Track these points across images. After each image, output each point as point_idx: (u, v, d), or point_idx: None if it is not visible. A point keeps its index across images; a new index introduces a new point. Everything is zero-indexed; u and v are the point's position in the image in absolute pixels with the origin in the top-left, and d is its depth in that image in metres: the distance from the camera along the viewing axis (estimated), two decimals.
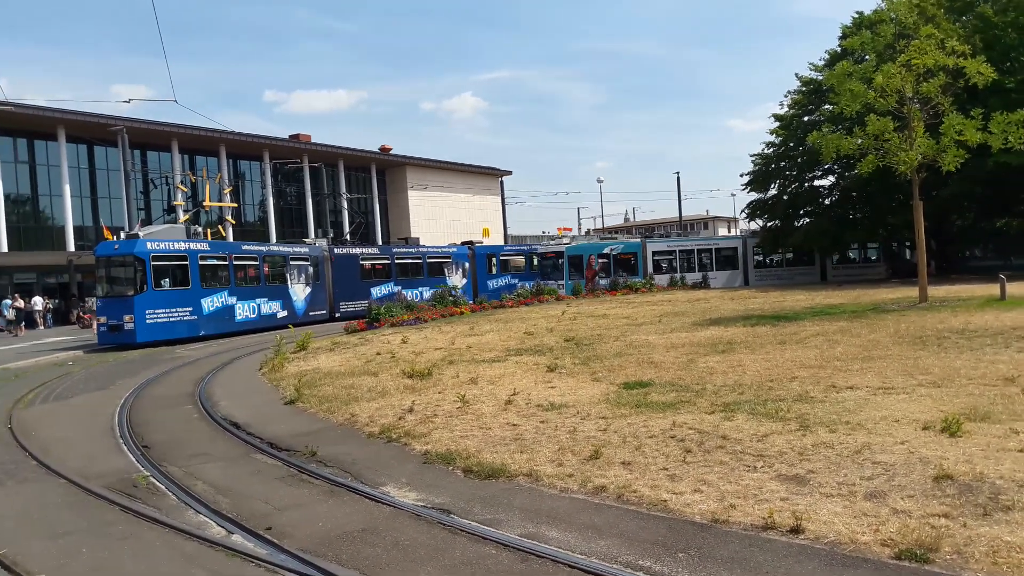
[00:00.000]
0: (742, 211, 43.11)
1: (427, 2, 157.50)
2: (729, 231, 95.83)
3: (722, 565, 4.55)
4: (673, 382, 10.23)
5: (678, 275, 38.65)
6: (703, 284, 38.17)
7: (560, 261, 37.35)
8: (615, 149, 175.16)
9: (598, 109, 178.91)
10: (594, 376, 11.14)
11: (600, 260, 37.64)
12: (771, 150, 38.78)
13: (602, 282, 36.37)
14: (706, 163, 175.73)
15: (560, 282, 35.93)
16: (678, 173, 54.12)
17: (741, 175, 41.30)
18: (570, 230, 51.77)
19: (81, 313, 34.56)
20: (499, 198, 64.40)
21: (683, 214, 58.31)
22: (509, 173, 66.62)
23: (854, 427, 7.18)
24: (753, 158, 39.50)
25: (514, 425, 8.34)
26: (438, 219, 57.26)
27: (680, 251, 40.02)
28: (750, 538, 4.92)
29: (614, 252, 38.54)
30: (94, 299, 26.90)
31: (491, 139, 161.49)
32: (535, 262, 39.71)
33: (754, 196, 40.46)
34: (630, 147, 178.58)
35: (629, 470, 6.44)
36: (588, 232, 62.34)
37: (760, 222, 40.83)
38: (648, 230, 73.25)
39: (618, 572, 4.55)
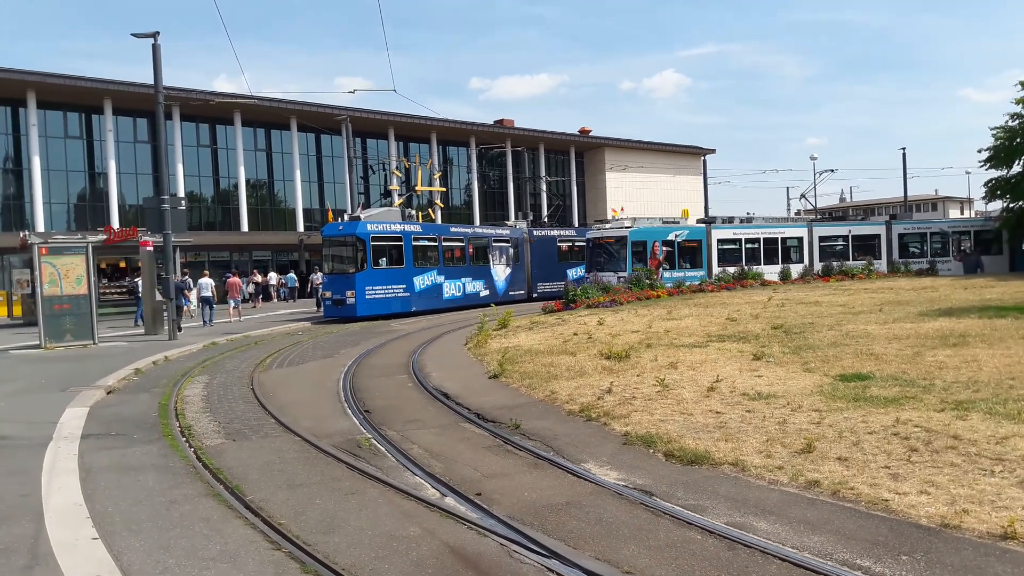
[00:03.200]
0: (983, 189, 37.74)
1: None
2: (963, 213, 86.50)
3: (952, 573, 4.18)
4: (896, 376, 9.44)
5: (745, 266, 32.17)
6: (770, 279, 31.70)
7: (620, 249, 29.65)
8: (829, 124, 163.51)
9: (809, 82, 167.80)
10: (806, 366, 10.54)
11: (664, 248, 30.88)
12: (1016, 122, 34.35)
13: (666, 274, 29.76)
14: (934, 138, 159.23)
15: (621, 273, 28.75)
16: (904, 149, 49.40)
17: (979, 151, 36.40)
18: (623, 210, 41.75)
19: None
20: (700, 178, 62.45)
21: (908, 194, 53.29)
22: (712, 151, 64.40)
23: None
24: (994, 131, 35.13)
25: (717, 412, 8.12)
26: (636, 200, 56.58)
27: (746, 239, 33.22)
28: (985, 547, 4.48)
29: (679, 239, 31.51)
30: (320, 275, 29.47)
31: (693, 117, 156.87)
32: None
33: (994, 174, 36.08)
34: (846, 122, 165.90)
35: (846, 466, 6.06)
36: (798, 213, 58.72)
37: (1002, 203, 36.34)
38: (867, 211, 67.68)
39: (834, 570, 4.31)
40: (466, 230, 31.02)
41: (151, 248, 21.77)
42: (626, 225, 30.22)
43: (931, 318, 15.35)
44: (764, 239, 33.46)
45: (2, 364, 14.87)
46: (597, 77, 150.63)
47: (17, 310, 27.93)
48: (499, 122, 55.13)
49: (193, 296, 26.70)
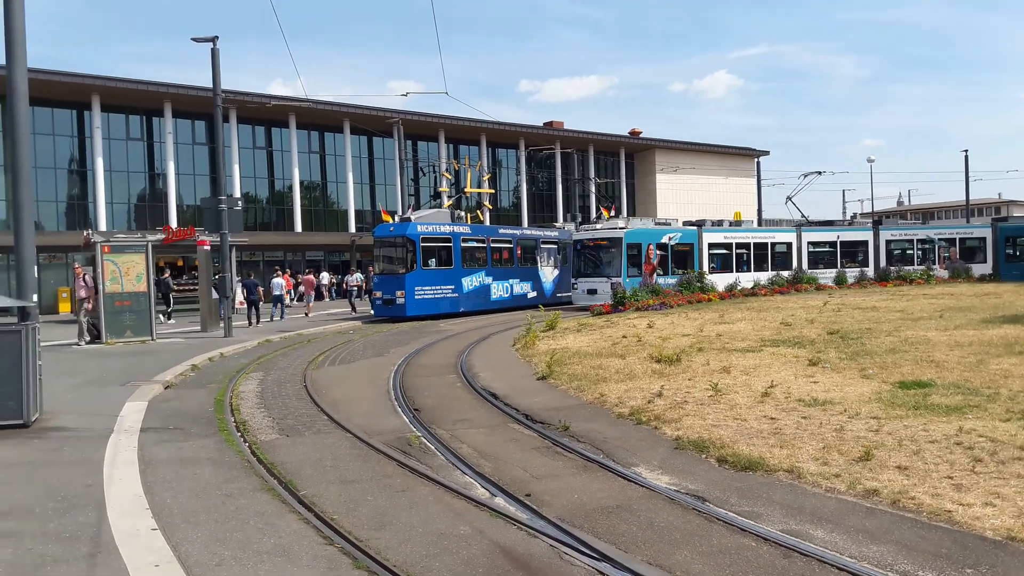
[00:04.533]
0: None
1: None
2: None
3: None
4: (958, 384, 9.14)
5: (736, 272, 30.39)
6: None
7: (614, 252, 26.74)
8: (886, 126, 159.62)
9: (865, 83, 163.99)
10: (863, 373, 10.28)
11: (658, 252, 28.03)
12: None
13: (660, 280, 27.35)
14: (998, 140, 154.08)
15: (615, 279, 26.13)
16: (966, 151, 48.00)
17: None
18: (613, 209, 39.07)
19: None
20: (754, 180, 61.44)
21: (971, 197, 51.69)
22: (766, 153, 63.34)
23: None
24: None
25: (772, 418, 7.96)
26: (687, 203, 55.94)
27: (737, 244, 30.96)
28: None
29: (672, 242, 28.64)
30: (371, 275, 29.85)
31: (744, 118, 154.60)
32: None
33: None
34: (904, 123, 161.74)
35: (906, 475, 5.88)
36: (855, 216, 57.31)
37: None
38: (927, 215, 65.79)
39: None
40: (514, 232, 31.04)
41: (208, 247, 22.30)
42: (620, 226, 27.52)
43: (994, 325, 14.81)
44: (755, 244, 31.61)
45: (66, 358, 15.39)
46: (647, 79, 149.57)
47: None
48: (548, 124, 55.06)
49: (239, 295, 27.54)
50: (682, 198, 56.96)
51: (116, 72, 48.98)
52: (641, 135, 57.94)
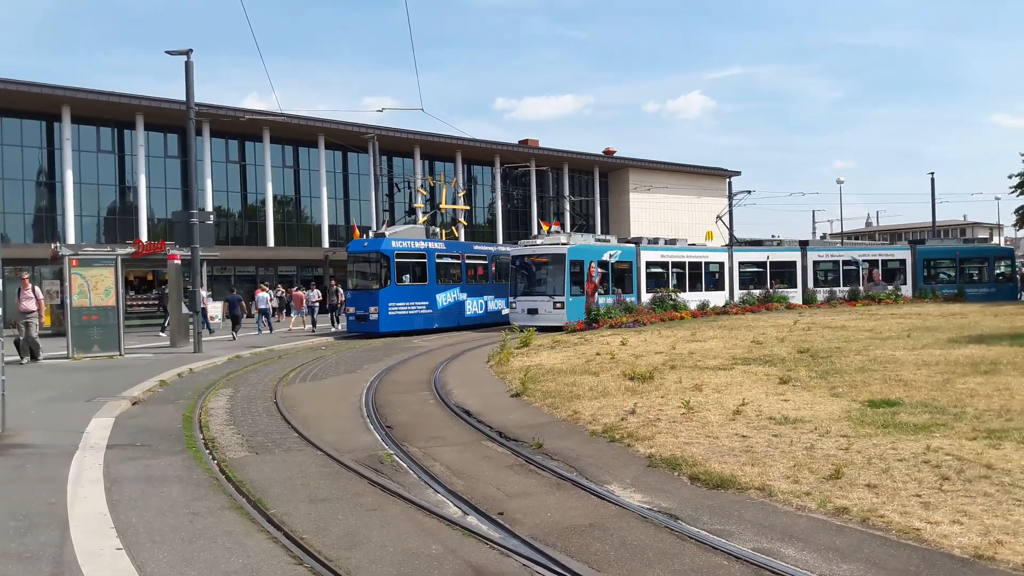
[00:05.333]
0: (1014, 216, 37.17)
1: (658, 4, 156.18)
2: (992, 239, 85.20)
3: None
4: (926, 403, 9.27)
5: (671, 292, 29.06)
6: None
7: (556, 269, 25.17)
8: (857, 147, 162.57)
9: (837, 105, 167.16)
10: (833, 391, 10.39)
11: (599, 270, 26.60)
12: None
13: (601, 300, 26.11)
14: (965, 163, 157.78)
15: (557, 298, 24.81)
16: (932, 174, 48.53)
17: (1009, 176, 35.85)
18: (558, 224, 37.63)
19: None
20: (726, 200, 62.21)
21: (936, 219, 52.68)
22: (737, 174, 64.16)
23: None
24: None
25: (743, 436, 8.01)
26: (660, 222, 56.45)
27: (673, 263, 30.11)
28: None
29: (613, 259, 27.33)
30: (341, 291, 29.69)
31: (718, 138, 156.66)
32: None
33: None
34: (874, 145, 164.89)
35: (875, 493, 5.94)
36: (824, 236, 58.12)
37: None
38: (894, 236, 66.95)
39: None
40: (490, 248, 31.07)
41: (179, 261, 22.03)
42: (562, 241, 26.02)
43: (960, 345, 15.08)
44: (689, 263, 30.64)
45: (32, 373, 15.07)
46: (622, 99, 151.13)
47: (47, 320, 28.34)
48: (523, 142, 55.37)
49: (212, 309, 27.56)
50: (656, 217, 57.48)
51: (89, 84, 48.44)
52: (615, 154, 58.47)
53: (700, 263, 31.00)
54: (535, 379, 12.43)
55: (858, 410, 9.04)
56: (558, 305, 24.78)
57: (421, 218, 35.82)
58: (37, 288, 17.20)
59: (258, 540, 5.39)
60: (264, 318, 26.73)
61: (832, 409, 9.19)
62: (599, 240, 28.30)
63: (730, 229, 35.49)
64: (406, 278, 25.29)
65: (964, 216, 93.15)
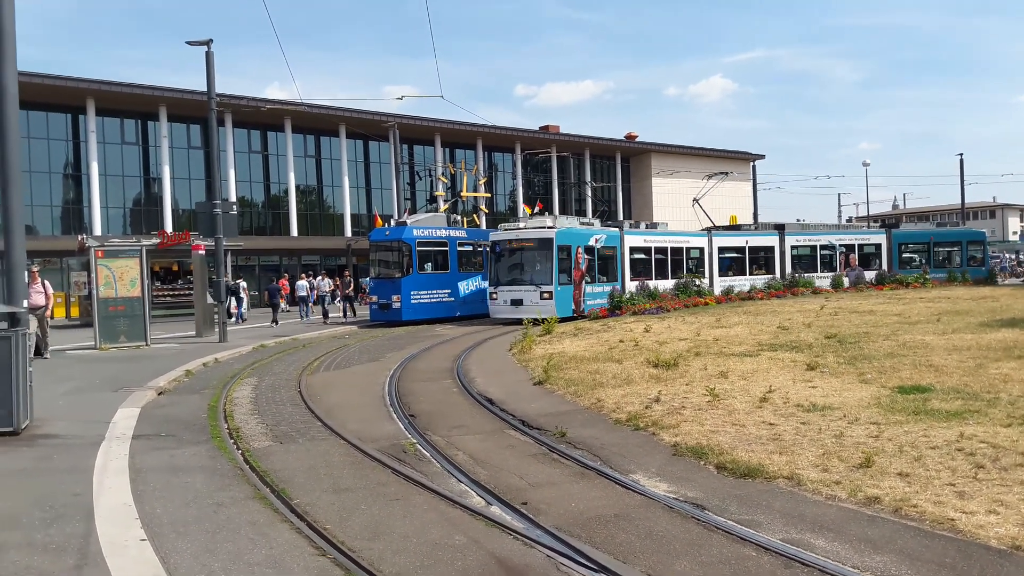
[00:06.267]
0: None
1: None
2: (1022, 220, 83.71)
3: None
4: (958, 389, 9.07)
5: (654, 278, 27.57)
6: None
7: (543, 255, 23.30)
8: (881, 130, 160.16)
9: (860, 87, 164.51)
10: (862, 377, 10.20)
11: (586, 256, 24.44)
12: None
13: (588, 289, 24.38)
14: (992, 144, 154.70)
15: (544, 287, 22.86)
16: (961, 155, 47.65)
17: None
18: (540, 207, 35.92)
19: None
20: (750, 184, 61.50)
21: (965, 201, 51.74)
22: (761, 157, 63.39)
23: None
24: None
25: (771, 424, 7.88)
26: (683, 207, 55.91)
27: (655, 248, 28.16)
28: None
29: (599, 244, 25.18)
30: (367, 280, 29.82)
31: (740, 122, 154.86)
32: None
33: None
34: (899, 127, 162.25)
35: (907, 482, 5.80)
36: (850, 219, 57.27)
37: None
38: (922, 219, 65.84)
39: None
40: None
41: (203, 252, 22.19)
42: (548, 224, 23.94)
43: (992, 329, 14.76)
44: (671, 248, 29.00)
45: (59, 364, 15.26)
46: (642, 83, 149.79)
47: (75, 311, 28.75)
48: (544, 128, 55.02)
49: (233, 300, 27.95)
50: (678, 201, 56.88)
51: (111, 76, 48.82)
52: (637, 139, 57.95)
53: (682, 248, 29.60)
54: (558, 367, 12.35)
55: (888, 396, 8.87)
56: (546, 295, 22.82)
57: (442, 206, 35.82)
58: (47, 282, 16.62)
59: (281, 531, 5.38)
60: (304, 306, 27.60)
61: (861, 395, 9.02)
62: (584, 223, 26.41)
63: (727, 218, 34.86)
64: (428, 266, 25.28)
65: (993, 198, 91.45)
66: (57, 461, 7.32)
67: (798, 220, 38.47)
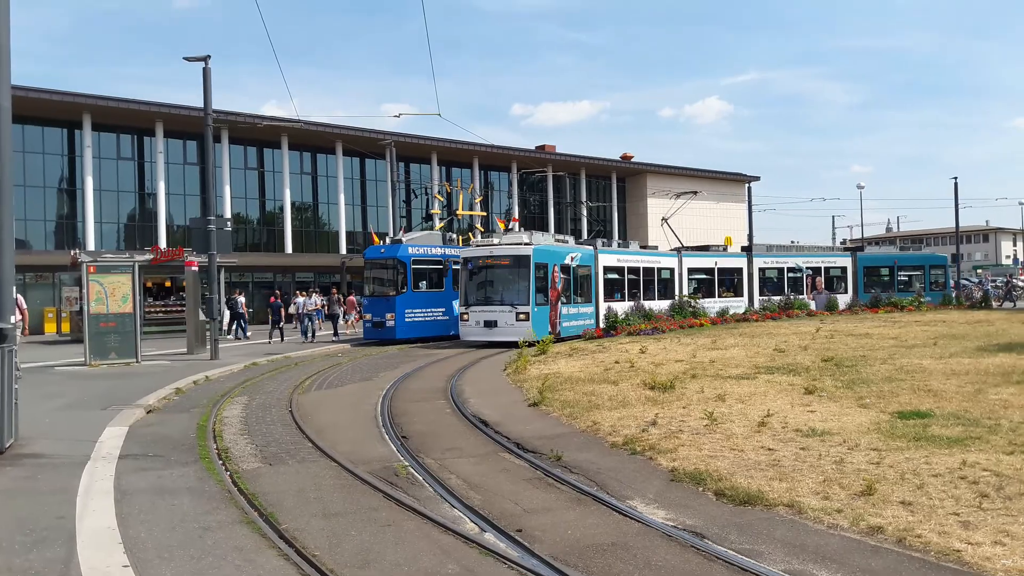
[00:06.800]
0: None
1: (674, 10, 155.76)
2: (1015, 244, 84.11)
3: None
4: (958, 414, 8.97)
5: (628, 300, 26.86)
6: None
7: (519, 274, 22.03)
8: (875, 152, 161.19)
9: (855, 109, 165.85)
10: (860, 402, 10.11)
11: (562, 275, 23.15)
12: None
13: (564, 310, 23.14)
14: (986, 167, 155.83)
15: (520, 308, 21.55)
16: (955, 179, 47.82)
17: None
18: (517, 221, 34.94)
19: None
20: (745, 205, 61.61)
21: (960, 224, 51.86)
22: (757, 179, 63.50)
23: None
24: None
25: (770, 449, 7.76)
26: (678, 228, 56.03)
27: (628, 269, 27.53)
28: None
29: (574, 263, 23.97)
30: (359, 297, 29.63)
31: (735, 144, 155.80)
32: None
33: None
34: (894, 149, 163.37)
35: (910, 511, 5.68)
36: (844, 242, 57.40)
37: None
38: (916, 242, 66.03)
39: None
40: None
41: (196, 268, 22.03)
42: (524, 241, 22.63)
43: (990, 353, 14.70)
44: (644, 268, 28.28)
45: (48, 380, 15.05)
46: (638, 104, 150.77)
47: (66, 327, 28.49)
48: (540, 147, 55.19)
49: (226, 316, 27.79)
50: (674, 223, 57.01)
51: (110, 92, 48.80)
52: (632, 159, 58.12)
53: (653, 268, 29.00)
54: (553, 388, 12.22)
55: (887, 422, 8.76)
56: (522, 316, 21.48)
57: (438, 224, 35.71)
58: (20, 296, 15.67)
59: (269, 557, 5.22)
60: (308, 322, 26.83)
61: (860, 421, 8.91)
62: (559, 240, 25.26)
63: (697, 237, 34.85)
64: (423, 284, 25.16)
65: (987, 221, 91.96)
66: (41, 482, 7.15)
67: (793, 242, 38.49)
